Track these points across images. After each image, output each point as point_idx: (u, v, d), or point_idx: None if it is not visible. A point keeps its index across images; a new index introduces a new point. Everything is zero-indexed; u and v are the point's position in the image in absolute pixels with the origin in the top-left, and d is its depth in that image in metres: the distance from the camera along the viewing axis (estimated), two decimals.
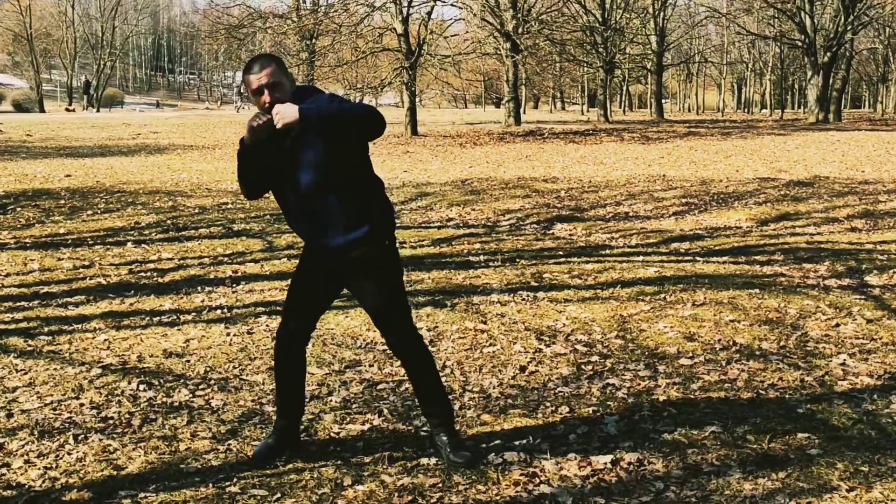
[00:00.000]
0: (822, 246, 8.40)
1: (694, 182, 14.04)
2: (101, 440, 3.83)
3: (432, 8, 28.87)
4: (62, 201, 11.70)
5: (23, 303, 6.31)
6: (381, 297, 3.47)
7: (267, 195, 3.56)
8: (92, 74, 63.92)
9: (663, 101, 53.22)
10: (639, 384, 4.48)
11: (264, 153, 3.36)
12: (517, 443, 3.74)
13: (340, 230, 3.37)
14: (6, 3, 64.47)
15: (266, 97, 3.26)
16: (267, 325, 5.65)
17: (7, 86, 77.72)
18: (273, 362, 3.72)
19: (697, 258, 7.85)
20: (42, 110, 58.27)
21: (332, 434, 3.88)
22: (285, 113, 3.14)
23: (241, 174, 3.47)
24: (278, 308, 6.09)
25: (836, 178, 14.27)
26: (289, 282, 3.73)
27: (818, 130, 28.45)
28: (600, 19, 36.51)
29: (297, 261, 3.69)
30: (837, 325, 5.54)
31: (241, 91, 50.74)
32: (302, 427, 3.86)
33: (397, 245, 3.60)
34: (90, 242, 8.81)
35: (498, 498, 3.25)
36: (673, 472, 3.45)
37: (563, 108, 74.14)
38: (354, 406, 4.22)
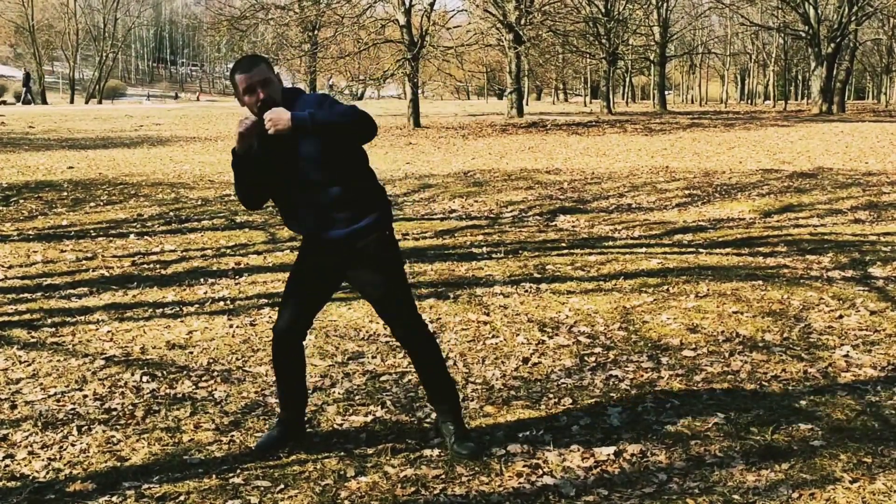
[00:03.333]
0: (826, 237, 8.38)
1: (697, 173, 14.01)
2: (104, 431, 3.83)
3: None
4: (65, 193, 11.71)
5: (26, 294, 6.32)
6: (385, 287, 3.48)
7: (266, 204, 3.56)
8: (30, 66, 63.02)
9: (666, 92, 53.08)
10: (642, 376, 4.48)
11: (258, 159, 3.36)
12: (520, 434, 3.74)
13: (343, 222, 3.39)
14: None
15: (260, 94, 3.28)
16: (269, 317, 5.65)
17: (9, 77, 77.67)
18: (271, 356, 3.71)
19: (700, 250, 7.84)
20: (44, 102, 58.23)
21: (335, 425, 3.88)
22: (277, 119, 3.16)
23: (239, 185, 3.46)
24: (281, 300, 6.09)
25: (840, 169, 14.23)
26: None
27: (822, 122, 28.38)
28: (603, 10, 36.41)
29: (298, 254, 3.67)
30: (841, 316, 5.53)
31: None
32: (305, 419, 3.86)
33: (397, 236, 3.61)
34: (93, 234, 8.81)
35: (501, 489, 3.25)
36: (676, 463, 3.45)
37: (566, 100, 74.02)
38: (357, 397, 4.22)
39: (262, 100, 3.27)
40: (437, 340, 5.05)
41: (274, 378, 4.49)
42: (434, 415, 3.78)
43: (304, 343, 3.66)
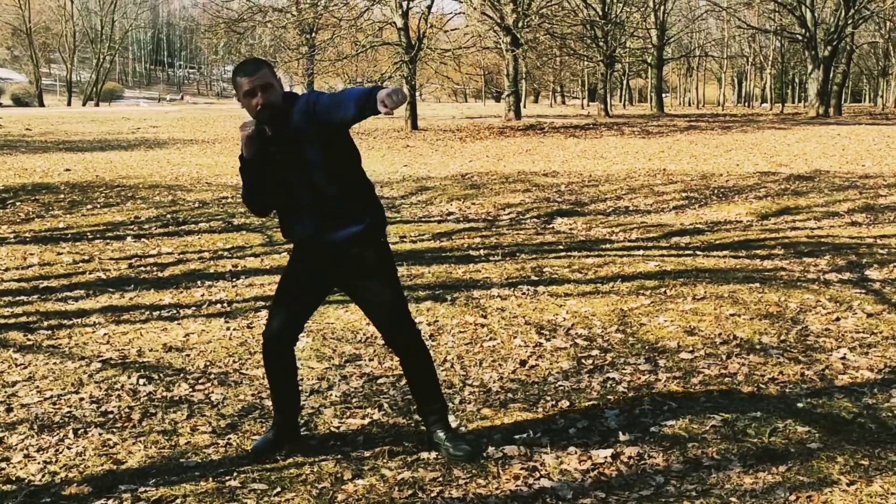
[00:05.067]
0: (823, 240, 8.39)
1: (694, 176, 14.03)
2: (100, 434, 3.82)
3: (432, 2, 28.84)
4: (62, 195, 11.69)
5: (22, 297, 6.31)
6: (381, 293, 3.49)
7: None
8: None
9: (664, 95, 53.19)
10: (639, 378, 4.48)
11: (263, 161, 3.37)
12: (517, 437, 3.73)
13: (341, 226, 3.41)
14: None
15: (259, 99, 3.27)
16: (266, 320, 5.64)
17: (6, 80, 77.57)
18: (262, 361, 3.71)
19: (698, 252, 7.84)
20: (41, 104, 58.19)
21: (332, 428, 3.87)
22: (402, 95, 2.99)
23: (247, 191, 3.47)
24: (271, 305, 6.07)
25: (837, 172, 14.26)
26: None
27: (818, 124, 28.43)
28: (600, 13, 36.47)
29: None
30: (838, 319, 5.54)
31: None
32: (302, 421, 3.85)
33: (394, 239, 3.61)
34: (90, 237, 8.80)
35: (498, 492, 3.25)
36: (673, 465, 3.44)
37: (564, 103, 74.13)
38: (354, 400, 4.22)
39: (262, 104, 3.27)
40: (434, 343, 5.06)
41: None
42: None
43: (294, 348, 3.65)
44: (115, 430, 3.88)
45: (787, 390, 4.27)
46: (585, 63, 49.08)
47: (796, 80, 69.42)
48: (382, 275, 3.49)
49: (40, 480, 3.40)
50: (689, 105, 71.84)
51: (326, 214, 3.40)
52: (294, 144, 3.31)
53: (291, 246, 3.74)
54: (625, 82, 66.55)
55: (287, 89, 3.50)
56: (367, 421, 3.95)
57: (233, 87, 3.41)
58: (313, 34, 34.06)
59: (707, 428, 3.79)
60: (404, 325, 3.53)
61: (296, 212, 3.46)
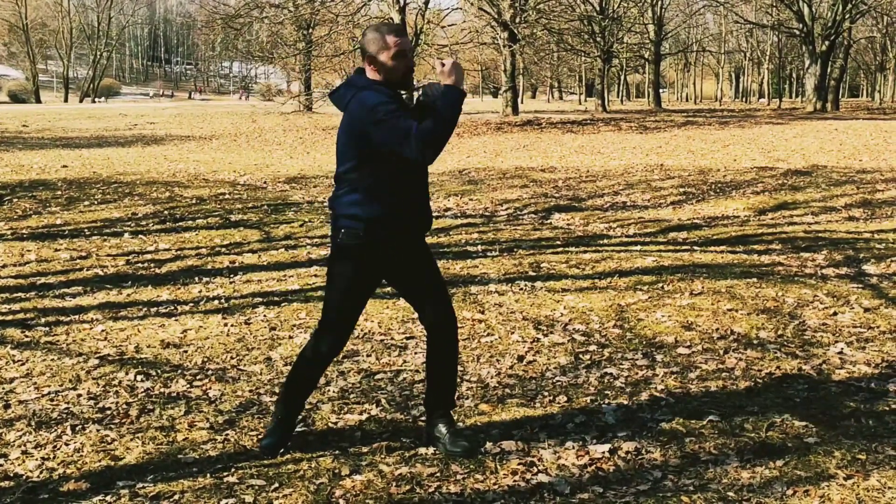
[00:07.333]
0: (820, 235, 8.40)
1: (692, 171, 14.03)
2: (98, 431, 3.82)
3: None
4: (59, 192, 11.68)
5: (20, 294, 6.30)
6: (437, 270, 3.55)
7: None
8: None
9: (661, 90, 53.19)
10: (637, 373, 4.48)
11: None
12: (515, 432, 3.73)
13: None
14: None
15: (411, 62, 3.28)
16: (264, 316, 5.65)
17: (3, 77, 77.39)
18: (298, 372, 3.57)
19: (695, 247, 7.84)
20: (38, 101, 58.05)
21: (330, 424, 3.87)
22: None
23: (453, 126, 3.20)
24: (276, 298, 6.08)
25: (834, 167, 14.26)
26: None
27: (816, 119, 28.44)
28: (598, 8, 36.44)
29: (339, 263, 3.40)
30: (835, 313, 5.55)
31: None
32: (300, 417, 3.85)
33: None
34: (87, 233, 8.79)
35: (496, 487, 3.25)
36: (670, 460, 3.45)
37: (561, 98, 74.12)
38: (352, 396, 4.22)
39: (412, 69, 3.30)
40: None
41: (269, 377, 4.49)
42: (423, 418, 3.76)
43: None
44: (112, 426, 3.88)
45: (785, 385, 4.28)
46: (583, 58, 49.10)
47: (794, 75, 69.47)
48: (431, 252, 3.59)
49: (38, 476, 3.40)
50: (687, 100, 71.86)
51: (426, 192, 3.46)
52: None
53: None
54: (622, 78, 66.55)
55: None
56: (364, 417, 3.95)
57: (371, 44, 3.25)
58: (310, 30, 34.02)
59: (704, 423, 3.79)
60: (450, 304, 3.58)
61: (409, 187, 3.35)
